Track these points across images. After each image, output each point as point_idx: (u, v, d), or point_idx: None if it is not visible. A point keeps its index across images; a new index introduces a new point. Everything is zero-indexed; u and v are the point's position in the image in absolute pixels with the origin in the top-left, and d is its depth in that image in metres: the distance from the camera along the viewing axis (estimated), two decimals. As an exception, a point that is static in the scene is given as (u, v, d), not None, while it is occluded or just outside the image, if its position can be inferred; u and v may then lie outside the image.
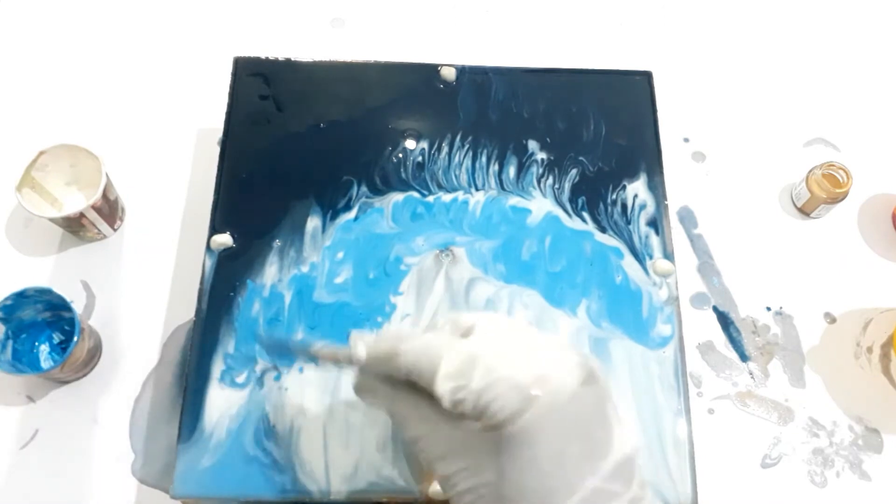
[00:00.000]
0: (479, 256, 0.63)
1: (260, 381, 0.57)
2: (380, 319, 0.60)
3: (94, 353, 0.67)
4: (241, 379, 0.57)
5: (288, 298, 0.60)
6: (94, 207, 0.68)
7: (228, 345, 0.58)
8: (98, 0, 0.86)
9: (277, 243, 0.62)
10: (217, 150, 0.67)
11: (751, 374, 0.70)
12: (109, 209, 0.71)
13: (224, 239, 0.62)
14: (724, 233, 0.76)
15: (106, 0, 0.86)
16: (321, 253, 0.62)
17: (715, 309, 0.73)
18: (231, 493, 0.55)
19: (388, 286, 0.61)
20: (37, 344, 0.68)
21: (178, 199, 0.75)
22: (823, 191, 0.74)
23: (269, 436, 0.56)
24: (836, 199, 0.75)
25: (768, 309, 0.73)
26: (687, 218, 0.77)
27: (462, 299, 0.61)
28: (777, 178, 0.80)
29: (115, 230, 0.73)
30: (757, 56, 0.87)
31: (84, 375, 0.68)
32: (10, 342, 0.65)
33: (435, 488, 0.54)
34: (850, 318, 0.73)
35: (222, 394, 0.57)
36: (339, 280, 0.61)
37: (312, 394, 0.57)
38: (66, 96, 0.80)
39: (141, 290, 0.71)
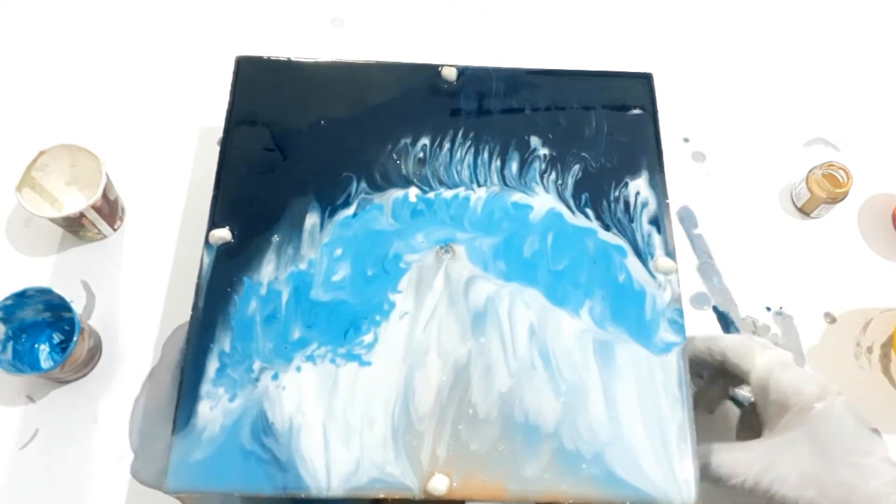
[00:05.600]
0: (480, 254, 0.62)
1: (257, 380, 0.57)
2: (378, 318, 0.60)
3: (94, 353, 0.67)
4: (237, 376, 0.57)
5: (285, 296, 0.60)
6: (94, 207, 0.68)
7: (224, 342, 0.58)
8: (98, 0, 0.86)
9: (276, 239, 0.62)
10: (217, 150, 0.67)
11: (751, 374, 0.70)
12: (109, 209, 0.71)
13: (223, 233, 0.62)
14: (724, 233, 0.76)
15: (108, 3, 0.86)
16: (319, 250, 0.62)
17: (715, 309, 0.73)
18: (227, 487, 0.54)
19: (387, 284, 0.61)
20: (37, 344, 0.68)
21: (179, 200, 0.75)
22: (823, 191, 0.74)
23: (268, 432, 0.56)
24: (836, 199, 0.75)
25: (768, 309, 0.73)
26: (687, 218, 0.77)
27: (461, 298, 0.61)
28: (777, 178, 0.80)
29: (115, 230, 0.74)
30: (757, 56, 0.87)
31: (84, 375, 0.68)
32: (11, 342, 0.65)
33: (433, 484, 0.54)
34: (850, 318, 0.73)
35: (217, 391, 0.57)
36: (336, 278, 0.61)
37: (311, 392, 0.57)
38: (66, 96, 0.80)
39: (141, 290, 0.71)
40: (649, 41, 0.87)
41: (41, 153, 0.69)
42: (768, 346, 0.59)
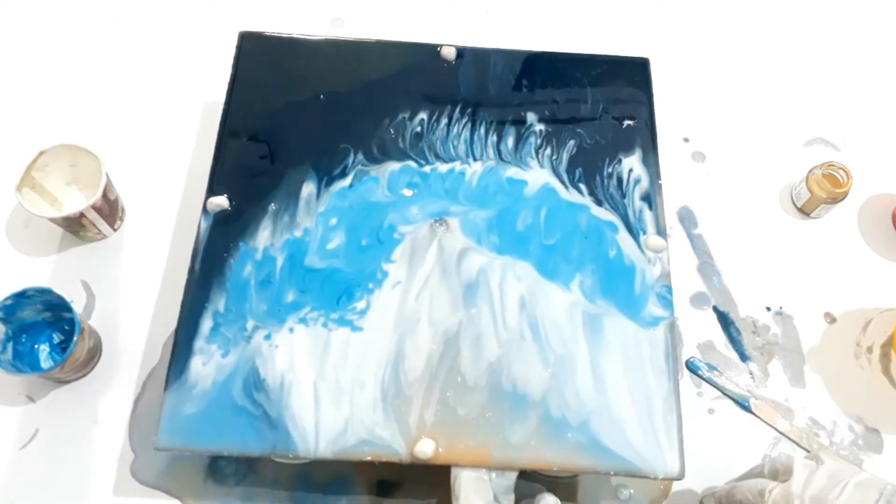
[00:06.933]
0: (473, 227, 0.63)
1: (250, 338, 0.58)
2: (371, 286, 0.60)
3: (94, 353, 0.67)
4: (230, 334, 0.58)
5: (280, 262, 0.61)
6: (94, 207, 0.68)
7: (219, 303, 0.59)
8: (98, 2, 0.86)
9: (272, 207, 0.63)
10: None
11: (751, 374, 0.70)
12: (109, 209, 0.71)
13: (220, 201, 0.63)
14: (724, 233, 0.76)
15: (106, 3, 0.86)
16: (314, 219, 0.63)
17: (715, 309, 0.73)
18: (217, 445, 0.55)
19: (381, 254, 0.62)
20: (37, 344, 0.68)
21: (179, 200, 0.75)
22: (823, 191, 0.74)
23: (259, 387, 0.56)
24: (836, 199, 0.75)
25: (768, 309, 0.73)
26: (687, 218, 0.77)
27: (454, 269, 0.61)
28: (777, 178, 0.80)
29: (115, 230, 0.74)
30: (757, 56, 0.87)
31: (84, 375, 0.68)
32: (11, 342, 0.65)
33: (420, 448, 0.55)
34: (850, 318, 0.73)
35: (210, 347, 0.58)
36: (331, 246, 0.62)
37: (303, 353, 0.58)
38: (66, 96, 0.80)
39: (141, 290, 0.71)
40: (650, 42, 0.87)
41: (41, 153, 0.69)
42: (774, 482, 0.55)
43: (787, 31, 0.89)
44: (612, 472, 0.56)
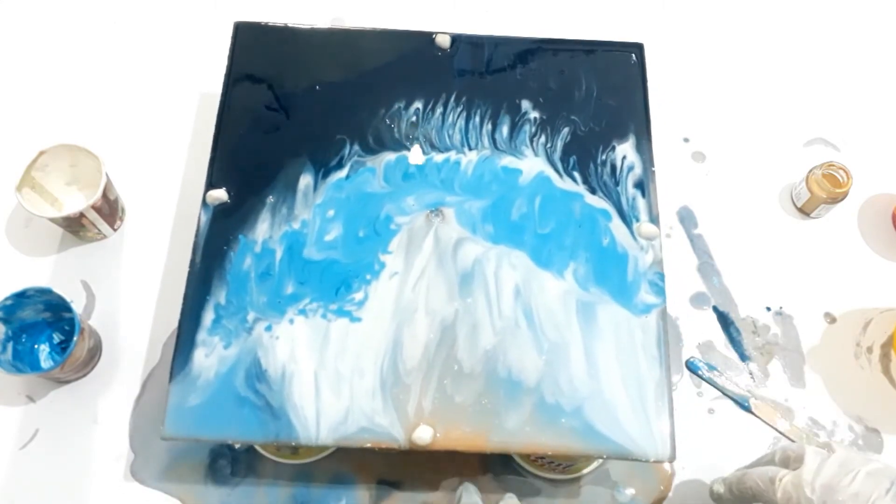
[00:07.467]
0: (469, 217, 0.63)
1: (251, 329, 0.59)
2: (368, 277, 0.61)
3: (94, 353, 0.68)
4: (231, 326, 0.59)
5: (279, 254, 0.61)
6: (94, 207, 0.68)
7: (220, 295, 0.60)
8: (98, 2, 0.86)
9: (270, 199, 0.63)
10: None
11: (751, 374, 0.70)
12: (109, 209, 0.71)
13: (219, 194, 0.63)
14: (724, 233, 0.77)
15: (106, 3, 0.86)
16: (312, 210, 0.63)
17: (715, 309, 0.73)
18: (221, 434, 0.56)
19: (378, 245, 0.62)
20: (37, 344, 0.68)
21: (178, 198, 0.75)
22: (823, 191, 0.74)
23: (261, 378, 0.57)
24: (836, 199, 0.75)
25: (768, 309, 0.73)
26: (687, 218, 0.77)
27: (449, 259, 0.61)
28: (777, 178, 0.80)
29: (115, 230, 0.74)
30: (757, 55, 0.87)
31: (84, 375, 0.68)
32: (11, 342, 0.65)
33: (418, 434, 0.55)
34: (850, 318, 0.73)
35: (213, 339, 0.58)
36: (329, 238, 0.62)
37: (303, 343, 0.58)
38: (66, 96, 0.80)
39: (141, 290, 0.71)
40: (650, 42, 0.87)
41: (41, 153, 0.69)
42: (783, 471, 0.55)
43: (787, 31, 0.89)
44: (604, 456, 0.56)
